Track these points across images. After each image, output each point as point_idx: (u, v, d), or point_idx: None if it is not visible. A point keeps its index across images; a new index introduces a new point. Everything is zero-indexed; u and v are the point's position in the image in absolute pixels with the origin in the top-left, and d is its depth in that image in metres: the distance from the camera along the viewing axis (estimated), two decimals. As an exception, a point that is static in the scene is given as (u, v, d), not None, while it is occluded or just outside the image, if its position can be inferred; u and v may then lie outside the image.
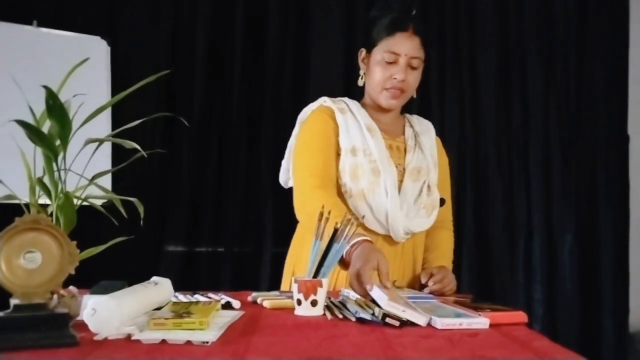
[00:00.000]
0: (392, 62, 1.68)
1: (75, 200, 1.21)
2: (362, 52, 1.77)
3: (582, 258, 3.21)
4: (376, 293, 1.26)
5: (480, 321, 1.16)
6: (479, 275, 3.17)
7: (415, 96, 1.78)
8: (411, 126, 1.82)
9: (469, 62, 3.26)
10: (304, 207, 1.64)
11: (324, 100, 1.78)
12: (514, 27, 3.28)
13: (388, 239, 1.68)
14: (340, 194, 1.67)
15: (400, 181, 1.69)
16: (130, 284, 1.26)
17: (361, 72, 1.77)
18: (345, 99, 1.79)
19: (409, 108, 1.88)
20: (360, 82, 1.78)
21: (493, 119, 3.25)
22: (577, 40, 3.28)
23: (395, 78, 1.68)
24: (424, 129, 1.83)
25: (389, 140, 1.75)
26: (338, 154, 1.69)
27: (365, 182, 1.64)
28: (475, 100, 3.25)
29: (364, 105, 1.79)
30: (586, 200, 3.26)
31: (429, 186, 1.72)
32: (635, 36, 3.29)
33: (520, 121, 3.26)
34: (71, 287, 1.18)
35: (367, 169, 1.64)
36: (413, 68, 1.69)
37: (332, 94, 1.82)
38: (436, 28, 3.25)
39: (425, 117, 1.92)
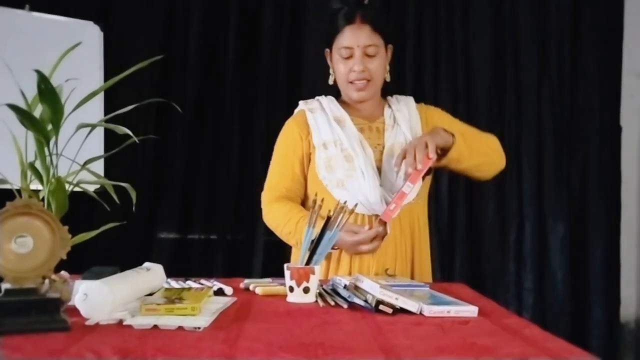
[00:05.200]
0: (349, 57, 1.73)
1: (67, 186, 1.21)
2: (328, 53, 1.82)
3: (574, 248, 3.22)
4: (367, 283, 1.26)
5: (468, 309, 1.17)
6: (470, 264, 3.18)
7: (388, 79, 1.82)
8: (390, 106, 1.85)
9: (463, 51, 3.25)
10: (265, 219, 1.81)
11: (299, 105, 1.86)
12: (509, 17, 3.26)
13: (376, 217, 1.68)
14: (323, 188, 1.72)
15: (380, 160, 1.74)
16: (122, 270, 1.26)
17: (331, 71, 1.83)
18: (321, 97, 1.86)
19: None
20: (330, 81, 1.83)
21: (486, 108, 3.24)
22: (571, 31, 3.27)
23: (354, 71, 1.73)
24: (401, 105, 1.85)
25: (369, 124, 1.81)
26: (309, 158, 1.78)
27: (340, 170, 1.70)
28: (468, 90, 3.25)
29: (342, 102, 1.84)
30: (578, 190, 3.26)
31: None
32: (629, 27, 3.28)
33: (514, 111, 3.25)
34: (63, 272, 1.18)
35: (340, 157, 1.72)
36: (370, 56, 1.73)
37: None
38: (431, 17, 3.23)
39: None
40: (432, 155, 1.59)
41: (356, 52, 1.72)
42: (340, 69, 1.76)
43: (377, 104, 1.85)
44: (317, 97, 1.86)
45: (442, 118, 1.86)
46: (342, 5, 1.74)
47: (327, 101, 1.83)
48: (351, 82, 1.75)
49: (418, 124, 1.82)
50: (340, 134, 1.74)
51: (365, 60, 1.73)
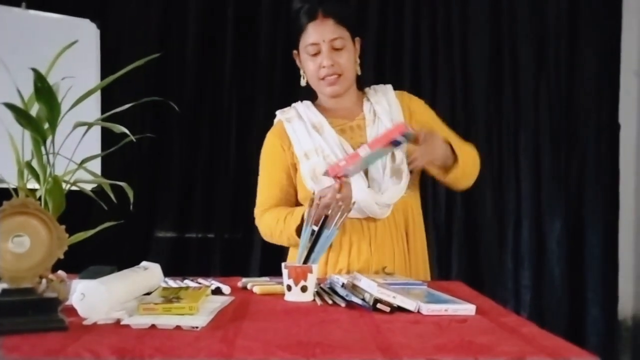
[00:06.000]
0: (316, 53, 1.71)
1: (64, 185, 1.20)
2: (295, 54, 1.81)
3: (571, 245, 3.23)
4: (365, 282, 1.26)
5: (466, 307, 1.17)
6: (468, 261, 3.18)
7: (359, 73, 1.79)
8: (369, 100, 1.81)
9: (461, 49, 3.25)
10: (262, 234, 1.81)
11: (277, 116, 1.84)
12: (506, 14, 3.26)
13: (371, 219, 1.68)
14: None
15: None
16: (119, 269, 1.26)
17: (301, 72, 1.81)
18: (297, 103, 1.83)
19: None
20: (302, 82, 1.81)
21: (484, 105, 3.24)
22: (569, 28, 3.27)
23: (323, 67, 1.71)
24: (379, 96, 1.81)
25: (349, 123, 1.78)
26: (295, 168, 1.75)
27: (326, 178, 1.65)
28: (466, 87, 3.24)
29: (318, 105, 1.82)
30: (576, 188, 3.27)
31: (392, 153, 1.70)
32: (627, 24, 3.28)
33: (511, 108, 3.26)
34: (60, 272, 1.17)
35: (323, 165, 1.68)
36: (338, 49, 1.71)
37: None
38: (428, 15, 3.22)
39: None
40: (405, 129, 1.52)
41: (323, 47, 1.70)
42: (310, 67, 1.74)
43: (355, 99, 1.82)
44: (293, 104, 1.84)
45: (424, 114, 1.82)
46: (303, 4, 1.72)
47: (304, 107, 1.80)
48: (322, 79, 1.73)
49: (399, 113, 1.77)
50: (320, 141, 1.71)
51: (334, 54, 1.70)
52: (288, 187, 1.77)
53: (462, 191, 1.87)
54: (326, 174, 1.59)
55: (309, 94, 1.86)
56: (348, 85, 1.77)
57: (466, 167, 1.71)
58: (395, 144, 1.55)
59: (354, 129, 1.77)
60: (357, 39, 1.77)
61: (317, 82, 1.75)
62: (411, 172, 1.71)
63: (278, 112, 1.84)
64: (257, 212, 1.81)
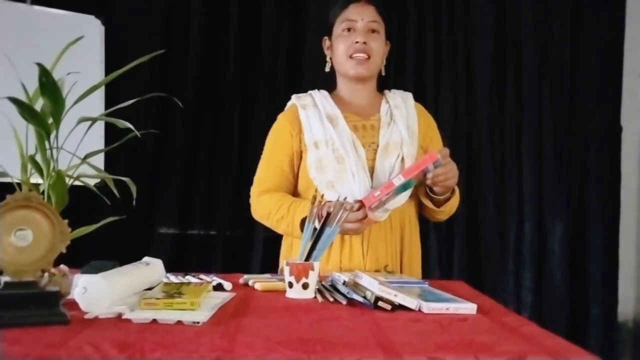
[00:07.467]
0: (351, 30, 1.73)
1: (67, 179, 1.21)
2: (326, 41, 1.82)
3: (572, 247, 3.23)
4: (366, 280, 1.26)
5: (467, 306, 1.17)
6: (469, 262, 3.18)
7: (384, 73, 1.81)
8: (387, 102, 1.82)
9: (464, 50, 3.24)
10: (254, 212, 1.81)
11: (292, 100, 1.84)
12: (510, 16, 3.26)
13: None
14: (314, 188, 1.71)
15: (374, 159, 1.70)
16: (121, 264, 1.26)
17: (327, 59, 1.82)
18: (314, 91, 1.84)
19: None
20: (327, 68, 1.82)
21: (487, 107, 3.24)
22: (572, 30, 3.27)
23: (357, 42, 1.72)
24: (399, 101, 1.81)
25: (363, 121, 1.77)
26: (300, 156, 1.76)
27: (331, 171, 1.67)
28: (469, 88, 3.24)
29: (335, 96, 1.82)
30: (578, 189, 3.27)
31: (402, 159, 1.70)
32: (631, 26, 3.28)
33: (514, 110, 3.25)
34: (62, 266, 1.18)
35: (331, 158, 1.68)
36: (373, 31, 1.73)
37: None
38: (432, 15, 3.22)
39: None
40: (437, 155, 1.55)
41: (359, 25, 1.72)
42: (341, 45, 1.74)
43: (373, 98, 1.82)
44: (309, 92, 1.83)
45: (435, 135, 1.85)
46: None
47: (320, 97, 1.80)
48: (351, 57, 1.73)
49: (415, 122, 1.78)
50: (332, 133, 1.70)
51: (368, 35, 1.72)
52: (287, 174, 1.77)
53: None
54: (358, 202, 1.57)
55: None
56: (372, 72, 1.78)
57: (454, 204, 1.78)
58: (426, 172, 1.58)
59: (367, 128, 1.76)
60: (388, 42, 1.80)
61: (345, 60, 1.74)
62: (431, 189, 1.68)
63: (294, 97, 1.83)
64: (254, 190, 1.81)
